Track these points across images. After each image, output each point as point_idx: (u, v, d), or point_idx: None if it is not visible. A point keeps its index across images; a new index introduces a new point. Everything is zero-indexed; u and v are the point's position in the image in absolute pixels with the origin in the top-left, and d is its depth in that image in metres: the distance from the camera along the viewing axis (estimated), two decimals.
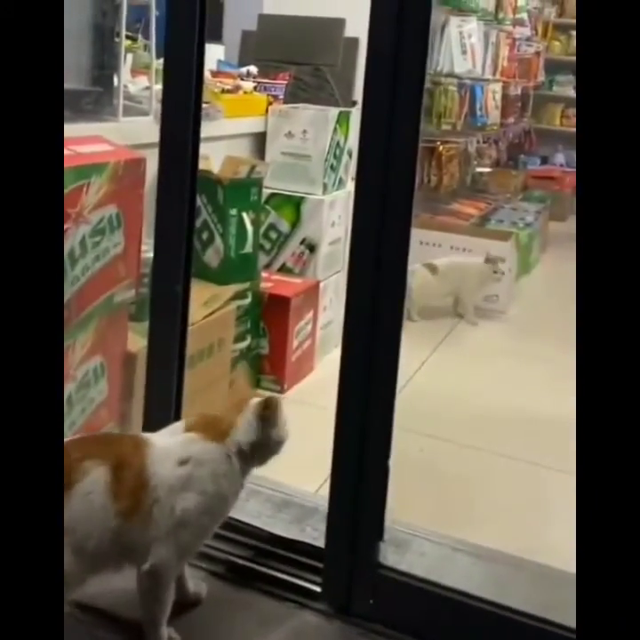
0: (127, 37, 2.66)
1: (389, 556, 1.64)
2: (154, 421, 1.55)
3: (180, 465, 1.38)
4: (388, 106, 1.24)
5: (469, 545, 1.74)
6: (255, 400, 1.45)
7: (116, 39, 2.50)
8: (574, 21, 7.63)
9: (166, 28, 1.43)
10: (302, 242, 3.32)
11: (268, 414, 1.42)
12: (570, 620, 1.49)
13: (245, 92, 3.26)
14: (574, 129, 7.62)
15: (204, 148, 2.97)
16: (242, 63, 4.56)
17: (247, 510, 1.70)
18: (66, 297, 1.99)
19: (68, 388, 2.08)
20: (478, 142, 5.68)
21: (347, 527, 1.41)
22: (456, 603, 1.37)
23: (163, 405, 1.52)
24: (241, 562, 1.53)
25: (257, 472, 1.47)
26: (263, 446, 1.43)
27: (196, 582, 1.52)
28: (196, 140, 1.39)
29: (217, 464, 1.40)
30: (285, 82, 3.62)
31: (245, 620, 1.46)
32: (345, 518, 1.41)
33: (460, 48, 4.85)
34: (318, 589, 1.44)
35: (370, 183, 1.29)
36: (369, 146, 1.28)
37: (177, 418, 1.52)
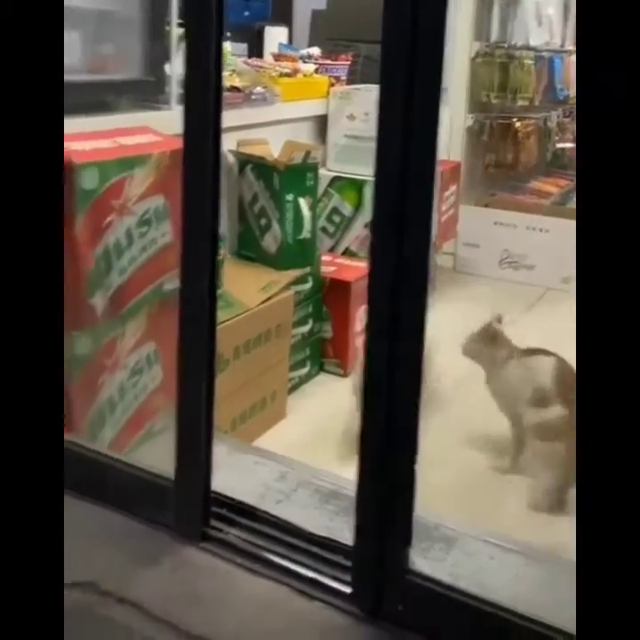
0: (181, 26, 2.65)
1: (437, 552, 1.58)
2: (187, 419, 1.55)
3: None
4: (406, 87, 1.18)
5: (521, 545, 1.66)
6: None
7: (167, 28, 2.50)
8: None
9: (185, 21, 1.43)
10: (366, 225, 3.26)
11: None
12: None
13: (305, 75, 3.21)
14: None
15: (262, 133, 2.98)
16: (312, 43, 4.51)
17: (293, 501, 1.68)
18: (112, 287, 2.01)
19: (119, 376, 2.10)
20: (559, 117, 5.46)
21: (374, 531, 1.36)
22: (488, 614, 1.30)
23: (195, 406, 1.51)
24: (274, 558, 1.50)
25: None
26: None
27: None
28: (216, 127, 1.35)
29: None
30: (348, 62, 3.55)
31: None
32: (372, 522, 1.36)
33: (536, 19, 4.67)
34: (348, 590, 1.40)
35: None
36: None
37: (208, 416, 1.50)
